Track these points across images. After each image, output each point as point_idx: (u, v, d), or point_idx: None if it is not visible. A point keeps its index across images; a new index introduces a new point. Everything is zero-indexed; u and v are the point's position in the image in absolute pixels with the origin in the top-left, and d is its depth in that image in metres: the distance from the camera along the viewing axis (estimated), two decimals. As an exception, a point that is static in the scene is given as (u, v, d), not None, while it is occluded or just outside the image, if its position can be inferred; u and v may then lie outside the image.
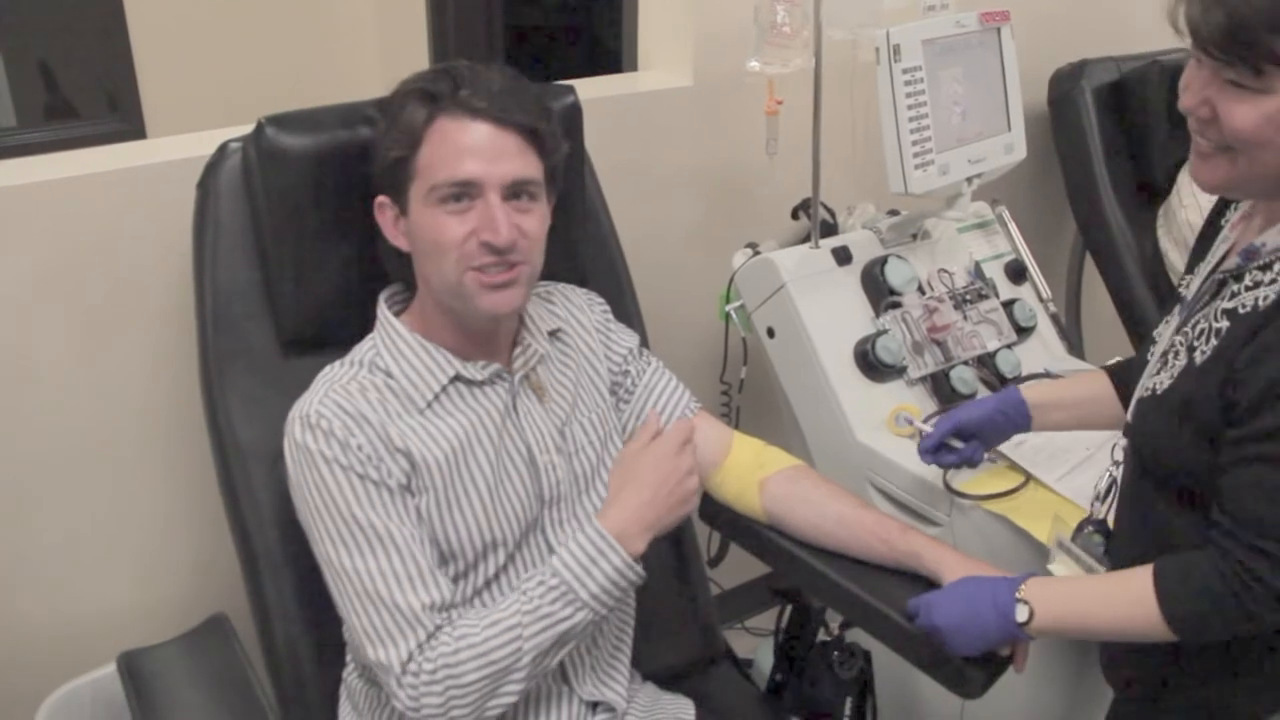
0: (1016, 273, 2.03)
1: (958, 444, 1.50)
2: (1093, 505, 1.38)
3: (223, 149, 1.43)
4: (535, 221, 1.25)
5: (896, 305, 1.82)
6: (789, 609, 1.63)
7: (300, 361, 1.39)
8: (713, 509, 1.48)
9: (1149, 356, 1.27)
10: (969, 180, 1.83)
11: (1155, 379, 1.21)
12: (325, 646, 1.37)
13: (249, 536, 1.38)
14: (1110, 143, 2.39)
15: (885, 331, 1.78)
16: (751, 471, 1.42)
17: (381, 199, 1.28)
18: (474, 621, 1.19)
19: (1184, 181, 2.29)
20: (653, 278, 1.82)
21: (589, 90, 1.63)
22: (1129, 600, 1.15)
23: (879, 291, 1.83)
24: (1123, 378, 1.39)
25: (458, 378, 1.29)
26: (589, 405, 1.38)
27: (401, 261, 1.31)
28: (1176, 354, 1.19)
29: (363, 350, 1.31)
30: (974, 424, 1.48)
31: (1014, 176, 1.99)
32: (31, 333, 1.54)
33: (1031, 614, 1.18)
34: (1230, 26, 1.02)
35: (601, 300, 1.50)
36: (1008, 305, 1.93)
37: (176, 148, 1.62)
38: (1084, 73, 2.40)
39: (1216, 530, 1.11)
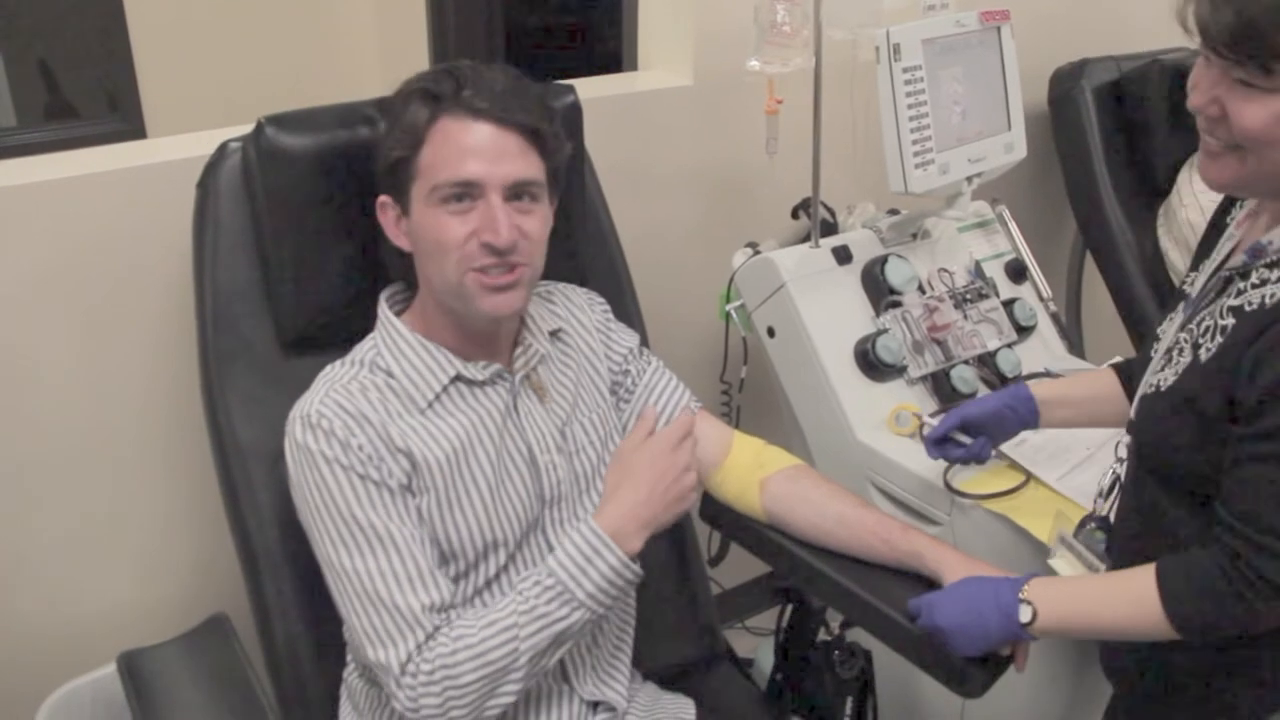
0: (1017, 272, 2.03)
1: (965, 439, 1.50)
2: (1096, 502, 1.38)
3: (222, 149, 1.43)
4: (537, 222, 1.25)
5: (897, 304, 1.82)
6: (789, 609, 1.63)
7: (300, 361, 1.39)
8: (713, 509, 1.48)
9: (1152, 353, 1.27)
10: (969, 179, 1.83)
11: (1159, 375, 1.21)
12: (325, 646, 1.36)
13: (249, 536, 1.38)
14: (1110, 142, 2.39)
15: (885, 331, 1.78)
16: (752, 471, 1.42)
17: (383, 199, 1.28)
18: (471, 622, 1.19)
19: (1184, 180, 2.29)
20: (653, 277, 1.82)
21: (589, 90, 1.63)
22: (1132, 599, 1.15)
23: (879, 291, 1.83)
24: (1130, 375, 1.39)
25: (458, 378, 1.29)
26: (590, 405, 1.38)
27: (403, 261, 1.31)
28: (1181, 351, 1.19)
29: (363, 350, 1.30)
30: (982, 418, 1.48)
31: (1014, 176, 1.99)
32: (32, 333, 1.54)
33: (1035, 614, 1.18)
34: (1239, 25, 1.02)
35: (602, 300, 1.50)
36: (1008, 304, 1.93)
37: (176, 147, 1.62)
38: (1084, 72, 2.39)
39: (1220, 527, 1.11)
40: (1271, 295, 1.09)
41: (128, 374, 1.62)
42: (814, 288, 1.80)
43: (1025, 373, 1.87)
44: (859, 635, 1.54)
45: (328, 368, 1.29)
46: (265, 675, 1.37)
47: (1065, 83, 2.42)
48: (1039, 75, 2.42)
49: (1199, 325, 1.17)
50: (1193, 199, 2.23)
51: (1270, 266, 1.12)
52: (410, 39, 3.18)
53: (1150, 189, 2.38)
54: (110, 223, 1.55)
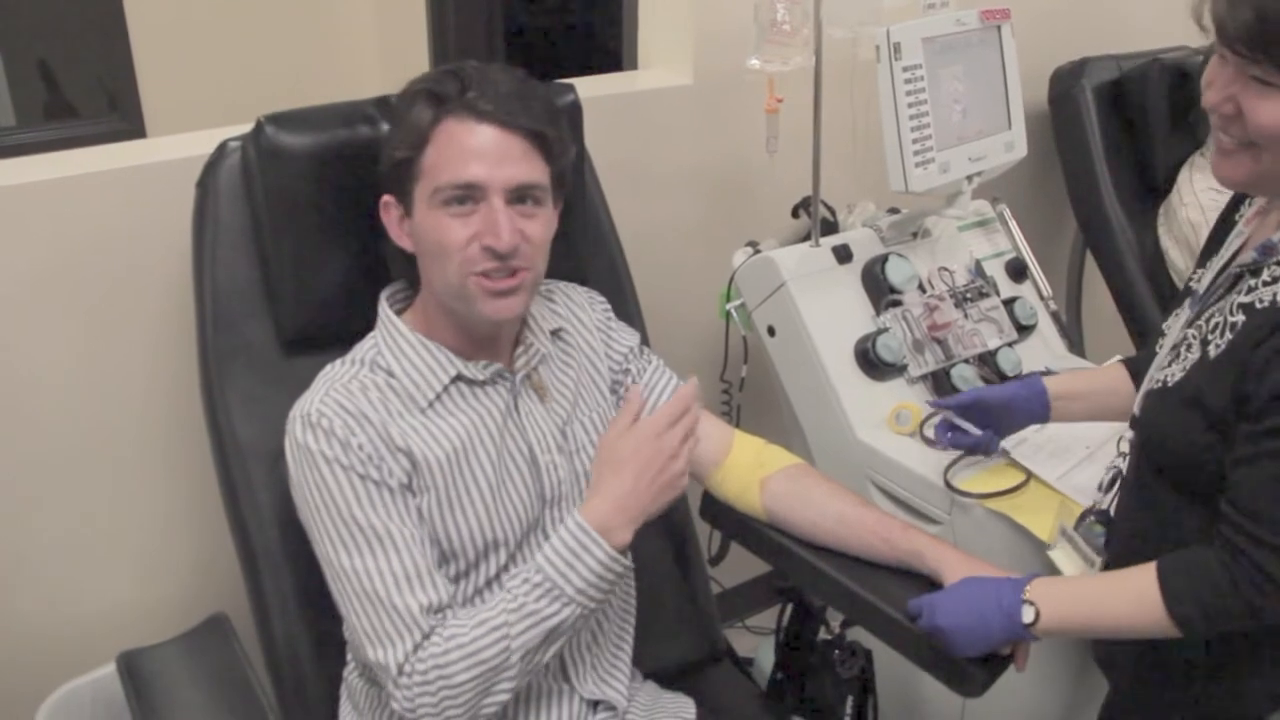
0: (1017, 271, 2.02)
1: (973, 428, 1.50)
2: (1096, 495, 1.39)
3: (222, 148, 1.43)
4: (539, 226, 1.24)
5: (897, 303, 1.81)
6: (790, 608, 1.63)
7: (300, 360, 1.39)
8: (713, 508, 1.48)
9: (1158, 349, 1.27)
10: (969, 178, 1.82)
11: (1166, 371, 1.21)
12: (325, 646, 1.36)
13: (249, 536, 1.37)
14: (1111, 141, 2.38)
15: (886, 330, 1.78)
16: (752, 470, 1.42)
17: (387, 198, 1.28)
18: (463, 621, 1.18)
19: (1184, 179, 2.29)
20: (653, 276, 1.82)
21: (589, 89, 1.63)
22: (1133, 598, 1.15)
23: (879, 290, 1.82)
24: (1137, 371, 1.40)
25: (459, 377, 1.29)
26: (590, 404, 1.38)
27: (406, 261, 1.31)
28: (1189, 347, 1.19)
29: (364, 349, 1.30)
30: (995, 401, 1.49)
31: (1014, 174, 1.99)
32: (32, 333, 1.54)
33: (1037, 615, 1.18)
34: (1258, 24, 1.02)
35: (602, 299, 1.49)
36: (1008, 303, 1.93)
37: (175, 147, 1.62)
38: (1084, 71, 2.39)
39: (1223, 524, 1.11)
40: None
41: (127, 374, 1.62)
42: (814, 287, 1.80)
43: (1025, 372, 1.87)
44: (859, 634, 1.53)
45: (328, 367, 1.29)
46: (265, 675, 1.37)
47: (1066, 81, 2.42)
48: (1039, 74, 2.42)
49: (1207, 321, 1.17)
50: (1193, 198, 2.23)
51: None
52: (410, 39, 3.18)
53: (1151, 188, 2.38)
54: (110, 222, 1.55)
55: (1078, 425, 1.59)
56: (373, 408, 1.23)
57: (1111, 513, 1.35)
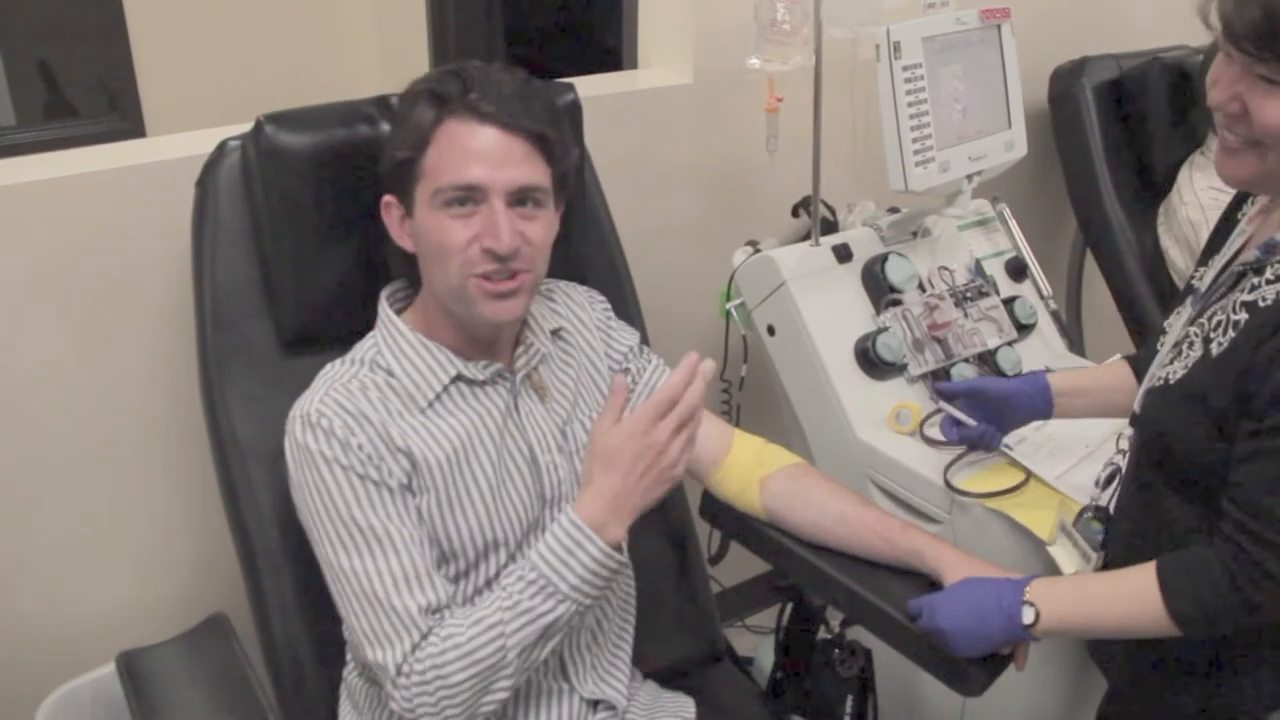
0: (1017, 270, 2.02)
1: (970, 421, 1.50)
2: (1093, 492, 1.39)
3: (221, 147, 1.42)
4: (540, 228, 1.24)
5: (897, 303, 1.81)
6: (790, 607, 1.63)
7: (300, 360, 1.39)
8: (713, 507, 1.48)
9: (1159, 347, 1.27)
10: (969, 177, 1.82)
11: (1167, 369, 1.21)
12: (325, 645, 1.36)
13: (249, 535, 1.37)
14: (1111, 140, 2.38)
15: (886, 329, 1.78)
16: (752, 470, 1.42)
17: (388, 198, 1.28)
18: (460, 621, 1.18)
19: (1184, 179, 2.29)
20: (653, 275, 1.82)
21: (589, 88, 1.63)
22: (1133, 597, 1.15)
23: (879, 289, 1.82)
24: (1141, 368, 1.40)
25: (459, 377, 1.29)
26: (590, 404, 1.38)
27: (406, 261, 1.30)
28: (1191, 345, 1.19)
29: (364, 348, 1.30)
30: (997, 393, 1.50)
31: (1014, 174, 1.99)
32: (31, 333, 1.54)
33: (1037, 616, 1.18)
34: (1266, 22, 1.02)
35: (602, 298, 1.49)
36: (1008, 302, 1.93)
37: (175, 146, 1.62)
38: (1084, 70, 2.39)
39: (1224, 521, 1.11)
40: None
41: (127, 373, 1.62)
42: (814, 286, 1.80)
43: (1025, 371, 1.87)
44: (859, 633, 1.54)
45: (327, 366, 1.29)
46: (265, 674, 1.37)
47: (1066, 81, 2.42)
48: (1039, 73, 2.42)
49: (1210, 320, 1.17)
50: (1193, 197, 2.23)
51: None
52: (410, 38, 3.18)
53: (1150, 187, 2.38)
54: (109, 222, 1.55)
55: (1078, 424, 1.59)
56: (372, 408, 1.23)
57: (1110, 509, 1.35)
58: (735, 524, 1.46)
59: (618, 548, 1.19)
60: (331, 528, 1.19)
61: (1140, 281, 2.34)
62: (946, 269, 1.91)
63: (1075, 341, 2.12)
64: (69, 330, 1.56)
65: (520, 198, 1.22)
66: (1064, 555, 1.41)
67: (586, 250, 1.59)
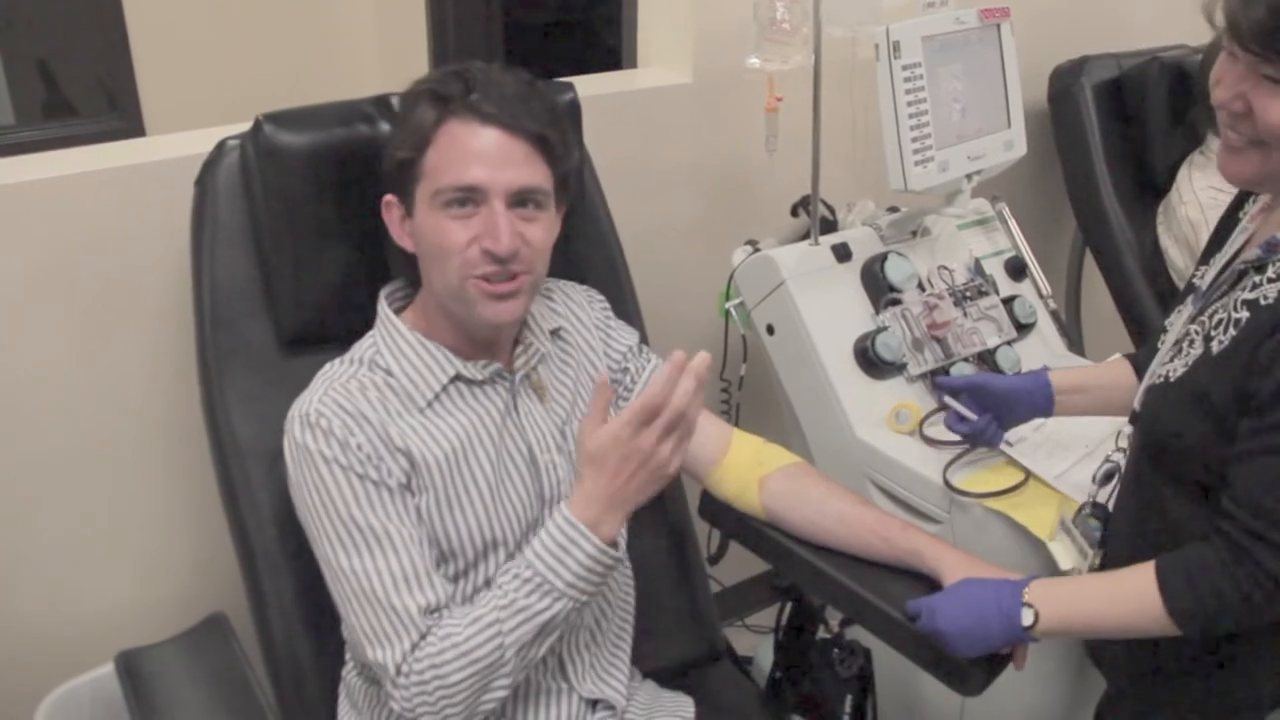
0: (1016, 269, 2.02)
1: (971, 414, 1.50)
2: (1091, 489, 1.39)
3: (220, 146, 1.42)
4: (540, 230, 1.24)
5: (896, 302, 1.81)
6: (789, 607, 1.63)
7: (299, 359, 1.39)
8: (712, 507, 1.48)
9: (1159, 345, 1.27)
10: (969, 177, 1.82)
11: (1168, 367, 1.21)
12: (324, 645, 1.36)
13: (248, 535, 1.37)
14: (1110, 139, 2.38)
15: (885, 328, 1.78)
16: (751, 469, 1.42)
17: (389, 198, 1.28)
18: (457, 620, 1.18)
19: (1183, 178, 2.29)
20: (652, 275, 1.81)
21: (588, 87, 1.63)
22: (1132, 597, 1.15)
23: (879, 288, 1.82)
24: (1141, 367, 1.40)
25: (458, 377, 1.29)
26: (589, 404, 1.38)
27: (407, 260, 1.30)
28: (1191, 342, 1.19)
29: (363, 348, 1.30)
30: (998, 390, 1.50)
31: (1014, 173, 1.99)
32: (30, 332, 1.54)
33: (1036, 617, 1.18)
34: (1271, 22, 1.02)
35: (601, 297, 1.49)
36: (1007, 302, 1.93)
37: (174, 145, 1.62)
38: (1084, 69, 2.39)
39: (1224, 519, 1.11)
40: None
41: (126, 373, 1.62)
42: (813, 285, 1.80)
43: (1024, 370, 1.87)
44: (858, 633, 1.54)
45: (326, 366, 1.29)
46: (264, 674, 1.37)
47: (1065, 80, 2.42)
48: (1039, 72, 2.42)
49: (1211, 317, 1.18)
50: (1192, 196, 2.23)
51: None
52: (410, 38, 3.18)
53: (1150, 186, 2.38)
54: (108, 221, 1.54)
55: (1076, 424, 1.59)
56: (371, 407, 1.22)
57: (1109, 507, 1.35)
58: (734, 523, 1.46)
59: (613, 544, 1.19)
60: (331, 527, 1.19)
61: (1139, 281, 2.34)
62: (946, 268, 1.91)
63: (1074, 341, 2.12)
64: (67, 330, 1.56)
65: (521, 199, 1.22)
66: (1062, 551, 1.41)
67: (586, 249, 1.59)
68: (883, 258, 1.83)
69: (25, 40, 3.07)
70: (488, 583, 1.27)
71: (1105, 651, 1.38)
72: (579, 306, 1.45)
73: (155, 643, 1.37)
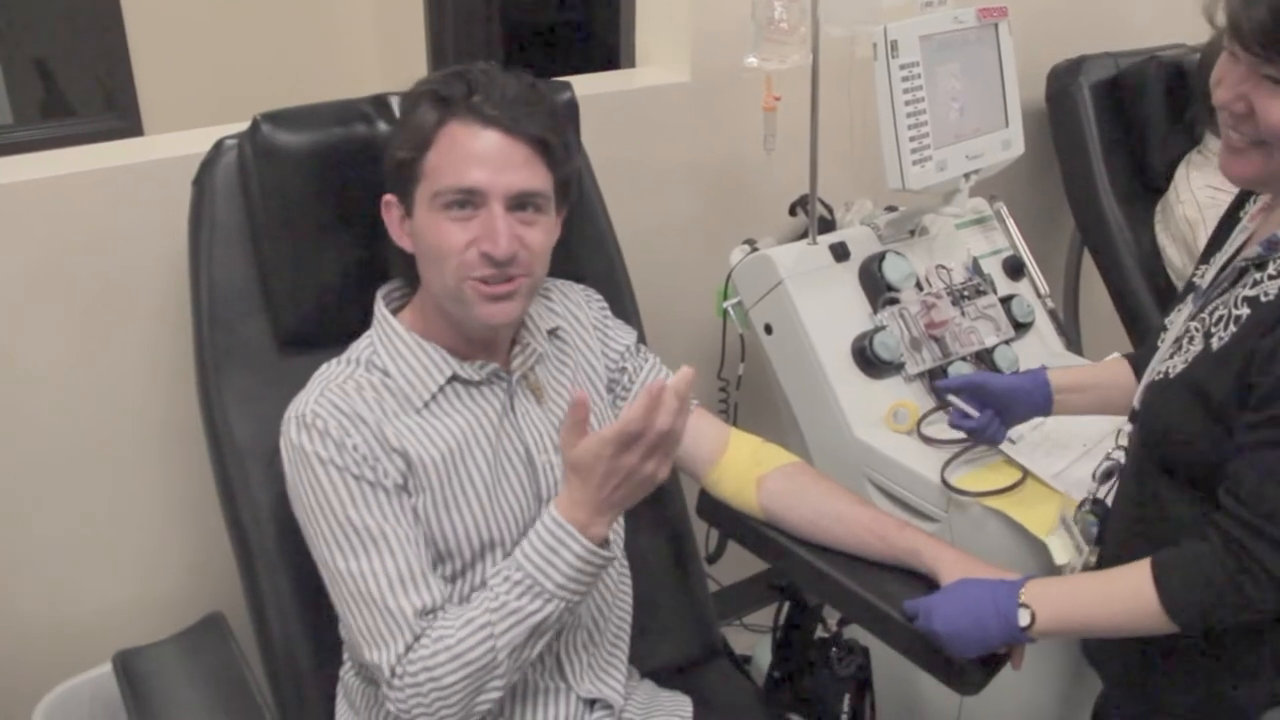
0: (1014, 269, 2.02)
1: (972, 411, 1.51)
2: (1090, 486, 1.39)
3: (218, 146, 1.42)
4: (539, 233, 1.24)
5: (894, 301, 1.81)
6: (787, 606, 1.63)
7: (297, 359, 1.39)
8: (710, 506, 1.47)
9: (1159, 342, 1.28)
10: (967, 176, 1.82)
11: (1168, 364, 1.21)
12: (322, 644, 1.36)
13: (246, 534, 1.37)
14: (1108, 139, 2.38)
15: (883, 328, 1.78)
16: (749, 469, 1.42)
17: (388, 198, 1.28)
18: (450, 622, 1.18)
19: (1181, 177, 2.29)
20: (650, 274, 1.81)
21: (586, 86, 1.63)
22: (1128, 596, 1.15)
23: (876, 288, 1.82)
24: (1140, 366, 1.41)
25: (455, 378, 1.28)
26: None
27: (406, 260, 1.30)
28: (1191, 339, 1.19)
29: (359, 348, 1.30)
30: (997, 388, 1.50)
31: (1012, 172, 1.99)
32: (28, 332, 1.54)
33: (1033, 618, 1.18)
34: (1273, 23, 1.02)
35: (599, 297, 1.49)
36: (1005, 301, 1.93)
37: (172, 145, 1.62)
38: (1082, 69, 2.39)
39: (1221, 514, 1.11)
40: None
41: (124, 373, 1.62)
42: (811, 285, 1.80)
43: (1023, 370, 1.87)
44: (856, 632, 1.54)
45: (323, 366, 1.29)
46: (261, 674, 1.37)
47: (1063, 79, 2.42)
48: (1037, 72, 2.42)
49: (1211, 315, 1.18)
50: (1190, 195, 2.23)
51: None
52: (409, 37, 3.18)
53: (1148, 186, 2.38)
54: (106, 221, 1.54)
55: (1075, 423, 1.59)
56: (368, 408, 1.22)
57: (1108, 503, 1.36)
58: (732, 523, 1.46)
59: (602, 543, 1.18)
60: (327, 528, 1.19)
61: (1137, 280, 2.34)
62: (944, 267, 1.91)
63: (1073, 340, 2.12)
64: (65, 329, 1.56)
65: (520, 202, 1.22)
66: (1059, 546, 1.41)
67: (583, 249, 1.59)
68: (880, 257, 1.83)
69: (24, 40, 3.08)
70: (485, 583, 1.27)
71: (1102, 651, 1.38)
72: (577, 306, 1.45)
73: (153, 642, 1.37)
